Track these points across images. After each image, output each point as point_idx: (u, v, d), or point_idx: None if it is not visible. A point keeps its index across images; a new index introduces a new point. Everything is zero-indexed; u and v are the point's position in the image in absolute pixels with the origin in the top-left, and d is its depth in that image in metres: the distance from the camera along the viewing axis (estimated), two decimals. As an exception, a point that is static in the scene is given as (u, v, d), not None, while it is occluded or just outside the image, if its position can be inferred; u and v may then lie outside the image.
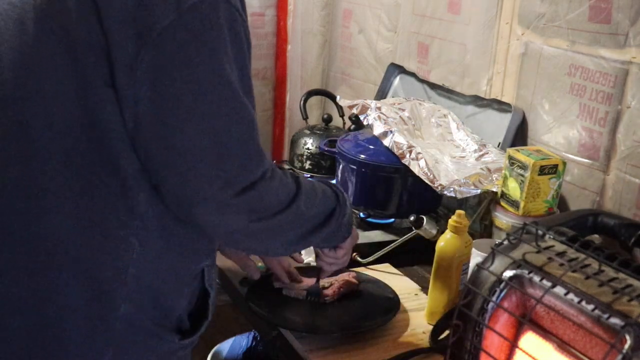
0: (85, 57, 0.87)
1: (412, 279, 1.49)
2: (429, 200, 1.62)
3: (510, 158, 1.42)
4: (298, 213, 1.02)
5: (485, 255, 0.96)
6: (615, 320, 0.76)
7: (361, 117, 1.66)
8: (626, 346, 0.73)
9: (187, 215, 0.94)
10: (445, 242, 1.29)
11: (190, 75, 0.87)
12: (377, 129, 1.60)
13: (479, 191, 1.47)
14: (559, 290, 0.83)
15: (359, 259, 1.53)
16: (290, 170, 1.02)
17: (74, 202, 0.91)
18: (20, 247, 0.93)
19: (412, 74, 2.00)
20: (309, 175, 1.91)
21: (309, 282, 1.37)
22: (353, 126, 1.85)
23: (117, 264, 0.94)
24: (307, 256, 1.56)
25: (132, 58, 0.85)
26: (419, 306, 1.37)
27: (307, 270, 1.48)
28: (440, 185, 1.46)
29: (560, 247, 0.90)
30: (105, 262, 0.94)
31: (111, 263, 0.94)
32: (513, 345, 0.89)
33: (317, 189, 1.08)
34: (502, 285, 0.89)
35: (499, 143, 1.65)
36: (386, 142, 1.56)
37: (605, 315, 0.77)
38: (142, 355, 1.00)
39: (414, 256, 1.54)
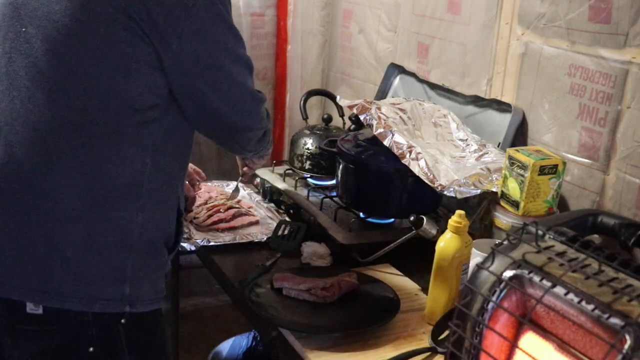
0: (122, 23, 1.11)
1: (412, 279, 1.49)
2: (429, 200, 1.62)
3: (510, 158, 1.42)
4: (266, 123, 1.42)
5: (485, 255, 0.96)
6: (615, 320, 0.76)
7: (361, 117, 1.66)
8: (626, 346, 0.73)
9: (227, 122, 1.31)
10: (445, 242, 1.29)
11: (217, 30, 1.21)
12: (377, 129, 1.60)
13: (479, 191, 1.47)
14: (559, 290, 0.83)
15: (359, 259, 1.53)
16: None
17: (105, 135, 1.15)
18: (66, 169, 1.15)
19: (412, 74, 2.00)
20: (308, 176, 1.91)
21: (309, 282, 1.37)
22: (353, 126, 1.85)
23: (136, 181, 1.18)
24: (307, 256, 1.56)
25: (175, 26, 1.14)
26: (419, 306, 1.37)
27: (307, 270, 1.49)
28: (440, 185, 1.46)
29: (560, 247, 0.90)
30: (127, 179, 1.17)
31: (131, 180, 1.18)
32: (513, 345, 0.89)
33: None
34: (502, 285, 0.89)
35: (499, 143, 1.65)
36: (386, 142, 1.56)
37: (605, 315, 0.77)
38: (149, 263, 1.24)
39: (414, 256, 1.54)
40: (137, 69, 1.14)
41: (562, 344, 0.84)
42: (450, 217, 1.30)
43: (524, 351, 0.85)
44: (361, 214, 1.68)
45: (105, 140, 1.15)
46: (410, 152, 1.52)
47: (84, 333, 1.18)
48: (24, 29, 1.15)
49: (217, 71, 1.22)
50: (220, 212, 1.73)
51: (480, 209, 1.53)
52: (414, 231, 1.44)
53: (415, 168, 1.50)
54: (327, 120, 1.98)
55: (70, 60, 1.13)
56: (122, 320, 1.19)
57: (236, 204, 1.79)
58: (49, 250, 1.15)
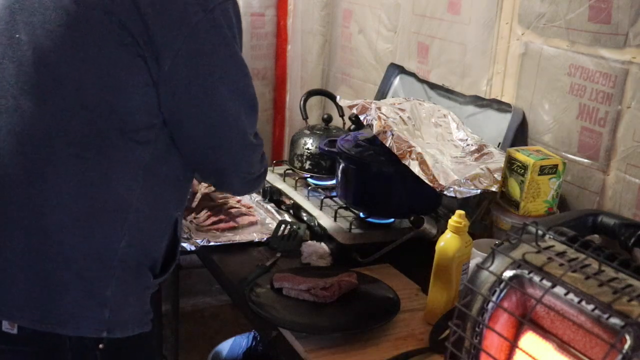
0: (118, 35, 1.06)
1: (412, 279, 1.49)
2: (429, 200, 1.62)
3: (510, 158, 1.42)
4: (263, 166, 1.34)
5: (485, 255, 0.96)
6: (615, 320, 0.76)
7: (361, 117, 1.66)
8: (626, 346, 0.73)
9: (207, 159, 1.22)
10: (445, 242, 1.29)
11: (218, 55, 1.13)
12: (377, 129, 1.60)
13: (479, 191, 1.47)
14: (559, 290, 0.83)
15: (359, 259, 1.53)
16: None
17: (93, 153, 1.10)
18: (59, 184, 1.10)
19: (412, 74, 2.00)
20: (308, 176, 1.91)
21: (309, 282, 1.37)
22: (353, 126, 1.85)
23: (121, 204, 1.13)
24: (307, 256, 1.56)
25: (171, 43, 1.07)
26: (419, 306, 1.37)
27: (307, 270, 1.49)
28: (440, 185, 1.46)
29: (560, 247, 0.90)
30: (113, 203, 1.12)
31: (117, 203, 1.13)
32: (513, 345, 0.89)
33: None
34: (502, 285, 0.89)
35: (499, 143, 1.65)
36: (386, 142, 1.56)
37: (605, 315, 0.77)
38: (133, 287, 1.18)
39: (414, 256, 1.54)
40: (131, 85, 1.08)
41: (562, 344, 0.84)
42: (450, 217, 1.30)
43: (524, 351, 0.85)
44: (361, 214, 1.68)
45: (92, 157, 1.10)
46: (410, 152, 1.52)
47: (59, 356, 1.13)
48: (17, 35, 1.10)
49: (208, 100, 1.14)
50: (221, 212, 1.73)
51: (480, 209, 1.53)
52: (414, 231, 1.44)
53: (415, 168, 1.50)
54: (327, 120, 1.98)
55: (61, 71, 1.08)
56: (100, 346, 1.14)
57: (236, 203, 1.79)
58: (24, 268, 1.10)
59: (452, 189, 1.45)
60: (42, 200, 1.10)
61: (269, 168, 1.97)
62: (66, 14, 1.07)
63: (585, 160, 1.46)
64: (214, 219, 1.71)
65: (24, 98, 1.09)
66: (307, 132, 1.94)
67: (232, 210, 1.74)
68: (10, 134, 1.10)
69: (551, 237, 0.93)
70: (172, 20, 1.07)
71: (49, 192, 1.09)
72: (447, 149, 1.65)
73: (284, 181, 1.90)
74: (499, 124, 1.67)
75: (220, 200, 1.79)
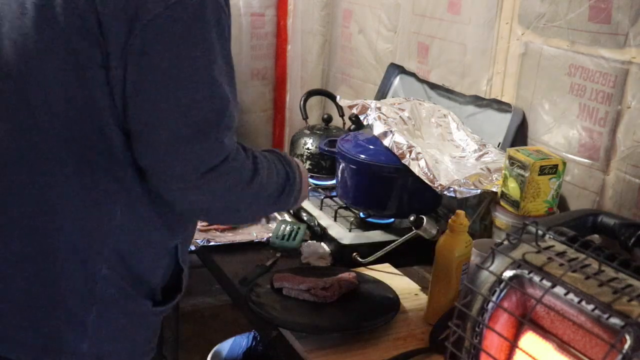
0: (80, 41, 0.95)
1: (412, 279, 1.49)
2: (429, 200, 1.62)
3: (510, 158, 1.42)
4: (254, 193, 1.10)
5: (485, 255, 0.96)
6: (615, 320, 0.76)
7: (361, 117, 1.66)
8: (626, 346, 0.73)
9: (158, 189, 1.04)
10: (445, 242, 1.29)
11: (172, 61, 0.96)
12: (377, 129, 1.60)
13: (479, 191, 1.47)
14: (559, 290, 0.83)
15: (359, 259, 1.53)
16: (250, 148, 1.10)
17: (67, 172, 1.01)
18: (19, 210, 1.03)
19: (412, 74, 2.00)
20: (308, 176, 1.90)
21: (308, 282, 1.37)
22: (353, 126, 1.85)
23: (100, 229, 1.04)
24: (307, 256, 1.56)
25: (123, 42, 0.94)
26: (419, 306, 1.37)
27: (307, 270, 1.49)
28: (440, 185, 1.46)
29: (560, 247, 0.90)
30: (90, 226, 1.03)
31: (95, 228, 1.03)
32: (513, 345, 0.89)
33: (271, 168, 1.15)
34: (502, 285, 0.89)
35: (499, 143, 1.65)
36: (386, 142, 1.56)
37: (605, 315, 0.77)
38: (120, 314, 1.09)
39: (414, 256, 1.54)
40: (96, 97, 0.97)
41: (562, 344, 0.84)
42: (450, 217, 1.30)
43: (524, 351, 0.85)
44: (361, 214, 1.68)
45: (61, 179, 1.01)
46: (410, 152, 1.52)
47: None
48: None
49: (154, 114, 0.98)
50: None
51: (480, 209, 1.53)
52: (414, 231, 1.44)
53: (415, 168, 1.50)
54: (327, 120, 1.98)
55: (28, 85, 0.99)
56: None
57: None
58: (4, 293, 1.04)
59: (452, 189, 1.45)
60: (12, 229, 1.03)
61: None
62: (29, 22, 0.97)
63: (585, 160, 1.46)
64: (214, 219, 1.71)
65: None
66: (307, 132, 1.94)
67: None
68: None
69: (551, 237, 0.93)
70: (125, 15, 0.93)
71: (20, 217, 1.03)
72: (447, 149, 1.65)
73: (284, 181, 1.90)
74: (499, 124, 1.67)
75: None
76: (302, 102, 2.05)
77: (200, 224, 1.70)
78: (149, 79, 0.96)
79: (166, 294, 1.17)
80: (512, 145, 1.61)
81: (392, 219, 1.67)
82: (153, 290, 1.14)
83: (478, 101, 1.76)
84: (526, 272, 0.87)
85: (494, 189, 1.47)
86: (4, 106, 1.01)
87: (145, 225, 1.08)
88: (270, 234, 1.66)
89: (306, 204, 1.75)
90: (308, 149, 1.90)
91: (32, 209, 1.02)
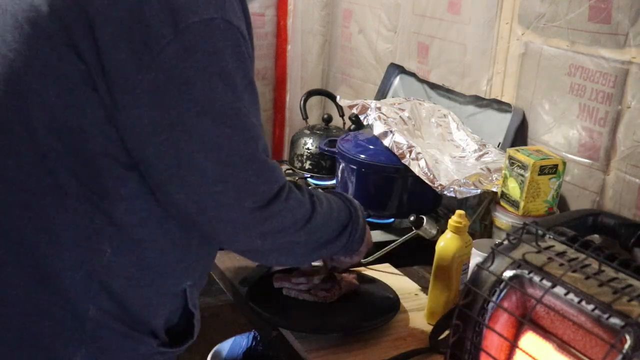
0: (75, 64, 0.86)
1: (412, 279, 1.49)
2: (429, 200, 1.61)
3: (510, 158, 1.42)
4: (311, 233, 1.03)
5: (485, 255, 0.96)
6: (615, 320, 0.76)
7: (361, 117, 1.66)
8: (626, 346, 0.73)
9: (207, 233, 0.97)
10: (445, 242, 1.29)
11: (190, 95, 0.86)
12: (377, 129, 1.60)
13: (479, 191, 1.47)
14: (559, 290, 0.83)
15: (359, 259, 1.53)
16: (308, 187, 1.03)
17: (52, 201, 0.91)
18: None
19: (412, 74, 2.00)
20: (308, 176, 1.91)
21: (309, 278, 1.37)
22: (353, 126, 1.85)
23: (86, 267, 0.93)
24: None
25: (132, 77, 0.85)
26: (419, 306, 1.37)
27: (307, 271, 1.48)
28: (440, 185, 1.46)
29: (560, 247, 0.90)
30: (75, 263, 0.93)
31: (80, 266, 0.93)
32: (513, 345, 0.89)
33: (332, 206, 1.08)
34: (502, 285, 0.89)
35: (499, 143, 1.65)
36: (386, 142, 1.56)
37: (605, 315, 0.77)
38: (116, 355, 0.99)
39: (414, 256, 1.54)
40: (88, 126, 0.88)
41: (562, 344, 0.84)
42: (450, 217, 1.30)
43: (524, 351, 0.85)
44: (361, 214, 1.68)
45: (47, 211, 0.91)
46: (410, 152, 1.52)
47: None
48: None
49: (176, 154, 0.89)
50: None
51: (480, 209, 1.53)
52: (414, 231, 1.44)
53: (415, 168, 1.50)
54: (327, 120, 1.98)
55: (12, 105, 0.90)
56: None
57: None
58: None
59: (452, 189, 1.45)
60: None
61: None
62: (20, 36, 0.89)
63: (585, 160, 1.46)
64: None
65: None
66: (307, 132, 1.94)
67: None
68: None
69: (551, 237, 0.93)
70: (131, 44, 0.84)
71: (3, 256, 0.93)
72: (447, 149, 1.65)
73: (284, 181, 1.90)
74: (499, 124, 1.67)
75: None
76: (302, 102, 2.05)
77: None
78: (167, 117, 0.86)
79: (175, 336, 1.06)
80: (512, 145, 1.61)
81: (392, 219, 1.67)
82: (155, 331, 1.02)
83: (478, 101, 1.77)
84: (526, 272, 0.87)
85: (494, 189, 1.47)
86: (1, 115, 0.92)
87: (141, 266, 0.97)
88: (270, 234, 1.66)
89: (306, 204, 1.75)
90: (308, 149, 1.90)
91: (15, 239, 0.92)
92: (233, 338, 2.15)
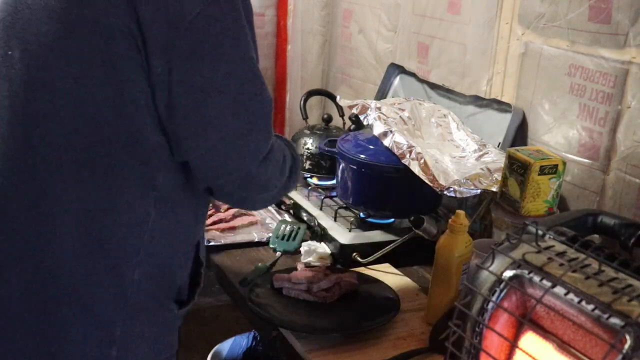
0: (118, 43, 0.95)
1: (412, 279, 1.49)
2: (429, 200, 1.62)
3: (510, 158, 1.42)
4: (283, 177, 1.16)
5: (485, 255, 0.96)
6: (615, 320, 0.76)
7: (361, 117, 1.66)
8: (626, 346, 0.73)
9: (214, 186, 1.09)
10: (445, 242, 1.29)
11: (220, 57, 0.98)
12: (377, 129, 1.60)
13: (479, 191, 1.47)
14: (559, 290, 0.83)
15: (359, 259, 1.53)
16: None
17: (97, 174, 0.99)
18: (38, 216, 1.00)
19: (412, 74, 2.00)
20: (308, 176, 1.91)
21: (309, 277, 1.37)
22: (353, 126, 1.85)
23: (134, 232, 1.02)
24: (307, 256, 1.56)
25: (166, 43, 0.94)
26: (419, 306, 1.37)
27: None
28: (440, 185, 1.46)
29: (560, 247, 0.90)
30: (123, 230, 1.02)
31: (128, 231, 1.02)
32: (513, 345, 0.89)
33: (286, 152, 1.19)
34: (502, 285, 0.89)
35: (499, 143, 1.65)
36: (386, 142, 1.56)
37: (605, 315, 0.77)
38: (148, 322, 1.08)
39: (414, 256, 1.54)
40: (132, 97, 0.97)
41: (562, 344, 0.84)
42: (450, 217, 1.30)
43: (524, 351, 0.85)
44: (361, 214, 1.68)
45: (96, 181, 0.99)
46: (410, 152, 1.52)
47: None
48: (9, 52, 0.99)
49: (210, 111, 0.99)
50: (220, 212, 1.73)
51: (480, 209, 1.53)
52: (414, 231, 1.44)
53: (415, 168, 1.50)
54: (327, 120, 1.98)
55: (59, 88, 0.97)
56: None
57: None
58: (30, 306, 1.02)
59: (452, 189, 1.45)
60: (42, 231, 1.00)
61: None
62: (60, 25, 0.96)
63: (585, 160, 1.46)
64: (214, 219, 1.71)
65: (17, 123, 0.99)
66: (307, 132, 1.94)
67: (232, 211, 1.75)
68: (6, 159, 1.01)
69: (551, 237, 0.93)
70: (167, 16, 0.94)
71: (48, 222, 1.00)
72: (447, 149, 1.65)
73: (284, 181, 1.90)
74: (499, 124, 1.67)
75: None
76: (302, 102, 2.05)
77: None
78: (199, 78, 0.97)
79: (188, 292, 1.17)
80: (512, 145, 1.61)
81: (392, 219, 1.67)
82: (179, 290, 1.13)
83: (478, 101, 1.77)
84: (526, 272, 0.87)
85: (494, 189, 1.47)
86: (27, 111, 0.99)
87: (175, 225, 1.08)
88: (270, 234, 1.66)
89: (306, 204, 1.75)
90: (308, 149, 1.90)
91: (62, 215, 1.00)
92: (233, 338, 2.16)
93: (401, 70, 2.05)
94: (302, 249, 1.59)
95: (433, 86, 1.93)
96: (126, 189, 1.00)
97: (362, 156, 1.61)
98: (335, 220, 1.66)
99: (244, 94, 1.01)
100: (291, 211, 1.80)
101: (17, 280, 1.02)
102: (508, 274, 0.89)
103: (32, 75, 0.98)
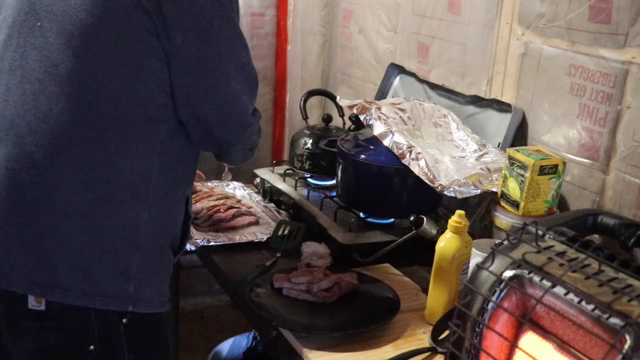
0: (138, 17, 1.12)
1: (412, 279, 1.49)
2: (429, 200, 1.61)
3: (510, 158, 1.42)
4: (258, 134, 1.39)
5: (485, 255, 0.96)
6: (615, 320, 0.76)
7: (361, 117, 1.66)
8: (626, 346, 0.73)
9: (214, 137, 1.28)
10: (445, 242, 1.29)
11: (225, 33, 1.21)
12: (377, 129, 1.60)
13: (479, 191, 1.47)
14: (559, 290, 0.83)
15: (359, 259, 1.53)
16: None
17: (117, 129, 1.15)
18: (76, 162, 1.15)
19: (412, 74, 2.00)
20: (308, 176, 1.91)
21: (308, 277, 1.37)
22: (353, 126, 1.85)
23: (144, 178, 1.19)
24: (307, 256, 1.56)
25: (182, 21, 1.14)
26: (419, 306, 1.37)
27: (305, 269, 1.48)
28: (440, 185, 1.46)
29: (560, 247, 0.90)
30: (135, 177, 1.18)
31: (140, 177, 1.18)
32: (513, 345, 0.89)
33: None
34: (502, 285, 0.89)
35: (499, 143, 1.65)
36: (386, 142, 1.56)
37: (605, 315, 0.77)
38: (153, 264, 1.23)
39: (414, 256, 1.54)
40: (149, 65, 1.15)
41: (562, 344, 0.84)
42: (450, 217, 1.30)
43: (524, 351, 0.85)
44: (361, 214, 1.68)
45: (115, 135, 1.15)
46: (410, 152, 1.52)
47: (84, 331, 1.17)
48: (39, 24, 1.15)
49: (217, 76, 1.21)
50: (220, 212, 1.73)
51: (480, 209, 1.53)
52: (414, 231, 1.44)
53: (415, 168, 1.50)
54: (327, 120, 1.98)
55: (85, 54, 1.13)
56: (124, 320, 1.19)
57: (236, 203, 1.79)
58: (54, 244, 1.14)
59: (452, 189, 1.45)
60: (66, 182, 1.14)
61: (269, 168, 1.98)
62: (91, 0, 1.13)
63: (585, 160, 1.46)
64: (214, 219, 1.71)
65: (49, 82, 1.14)
66: (307, 132, 1.94)
67: (232, 211, 1.75)
68: (37, 116, 1.14)
69: (551, 237, 0.93)
70: (183, 1, 1.14)
71: (72, 174, 1.14)
72: (447, 149, 1.65)
73: (284, 181, 1.90)
74: (499, 124, 1.67)
75: (221, 200, 1.79)
76: (302, 102, 2.05)
77: (202, 224, 1.70)
78: (210, 50, 1.18)
79: (179, 244, 1.33)
80: (512, 145, 1.61)
81: (392, 219, 1.67)
82: (175, 239, 1.30)
83: (478, 101, 1.77)
84: (526, 272, 0.87)
85: (494, 189, 1.47)
86: (57, 72, 1.14)
87: (172, 175, 1.24)
88: (270, 234, 1.66)
89: (306, 204, 1.75)
90: (308, 149, 1.90)
91: (89, 161, 1.15)
92: (233, 338, 2.16)
93: (401, 70, 2.05)
94: (302, 249, 1.59)
95: (433, 86, 1.93)
96: (138, 142, 1.17)
97: (362, 156, 1.61)
98: (335, 220, 1.65)
99: (242, 61, 1.25)
100: (291, 211, 1.80)
101: (47, 224, 1.15)
102: (508, 274, 0.89)
103: (62, 43, 1.13)
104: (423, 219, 1.42)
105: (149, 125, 1.18)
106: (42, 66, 1.15)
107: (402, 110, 1.71)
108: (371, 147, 1.62)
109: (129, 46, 1.13)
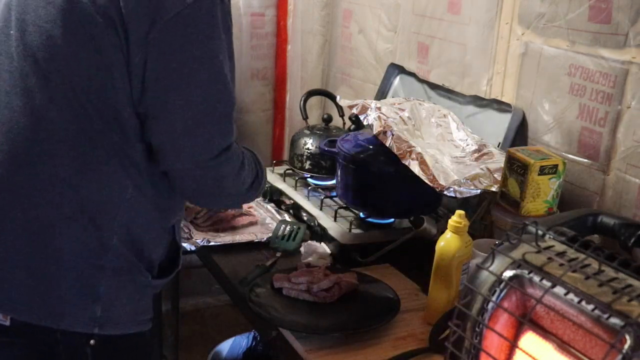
0: (103, 30, 1.05)
1: (412, 279, 1.49)
2: (429, 200, 1.62)
3: (510, 158, 1.42)
4: (239, 182, 1.24)
5: (485, 255, 0.96)
6: (615, 320, 0.76)
7: (361, 117, 1.66)
8: (626, 346, 0.73)
9: (167, 167, 1.15)
10: (445, 242, 1.29)
11: (189, 53, 1.08)
12: (377, 129, 1.60)
13: (479, 191, 1.47)
14: (559, 290, 0.83)
15: (359, 259, 1.53)
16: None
17: (81, 146, 1.10)
18: (31, 182, 1.11)
19: (412, 74, 2.00)
20: (308, 176, 1.91)
21: (308, 278, 1.37)
22: (353, 126, 1.85)
23: (114, 200, 1.13)
24: (307, 256, 1.56)
25: (144, 35, 1.05)
26: (419, 306, 1.37)
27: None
28: (440, 185, 1.46)
29: (560, 247, 0.90)
30: (103, 198, 1.12)
31: (108, 199, 1.13)
32: (513, 345, 0.89)
33: (250, 163, 1.28)
34: (502, 285, 0.89)
35: (499, 143, 1.65)
36: (386, 142, 1.56)
37: (605, 315, 0.77)
38: (124, 285, 1.18)
39: (414, 256, 1.54)
40: (115, 79, 1.08)
41: (562, 344, 0.84)
42: (450, 217, 1.30)
43: (524, 351, 0.85)
44: (361, 214, 1.68)
45: (82, 154, 1.10)
46: (410, 152, 1.52)
47: (51, 351, 1.14)
48: (11, 32, 1.11)
49: (170, 100, 1.09)
50: (220, 212, 1.73)
51: (480, 209, 1.53)
52: (414, 231, 1.44)
53: (415, 168, 1.50)
54: (327, 120, 1.98)
55: (50, 67, 1.08)
56: (91, 342, 1.15)
57: None
58: (21, 260, 1.12)
59: (452, 189, 1.45)
60: (33, 196, 1.11)
61: (269, 168, 1.97)
62: (55, 10, 1.07)
63: (585, 160, 1.46)
64: (214, 219, 1.71)
65: (15, 95, 1.11)
66: (307, 132, 1.94)
67: (232, 210, 1.75)
68: (3, 130, 1.11)
69: (551, 237, 0.93)
70: (147, 10, 1.04)
71: (39, 188, 1.11)
72: (447, 149, 1.65)
73: (284, 181, 1.90)
74: (499, 124, 1.67)
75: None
76: (302, 102, 2.05)
77: (202, 224, 1.70)
78: (169, 69, 1.07)
79: (164, 269, 1.27)
80: (512, 145, 1.61)
81: (392, 219, 1.67)
82: (151, 264, 1.23)
83: (478, 101, 1.77)
84: (526, 272, 0.87)
85: (494, 189, 1.47)
86: (24, 84, 1.10)
87: (150, 203, 1.18)
88: (270, 234, 1.66)
89: (306, 204, 1.75)
90: (308, 149, 1.90)
91: (48, 182, 1.10)
92: (233, 338, 2.16)
93: (401, 70, 2.05)
94: (302, 249, 1.59)
95: (433, 86, 1.93)
96: (107, 161, 1.11)
97: (362, 156, 1.61)
98: (335, 220, 1.65)
99: (206, 91, 1.11)
100: (291, 211, 1.80)
101: (10, 238, 1.12)
102: (508, 274, 0.89)
103: (28, 54, 1.09)
104: (423, 219, 1.43)
105: (120, 144, 1.11)
106: (11, 77, 1.11)
107: (402, 110, 1.71)
108: (371, 147, 1.62)
109: (94, 59, 1.07)
